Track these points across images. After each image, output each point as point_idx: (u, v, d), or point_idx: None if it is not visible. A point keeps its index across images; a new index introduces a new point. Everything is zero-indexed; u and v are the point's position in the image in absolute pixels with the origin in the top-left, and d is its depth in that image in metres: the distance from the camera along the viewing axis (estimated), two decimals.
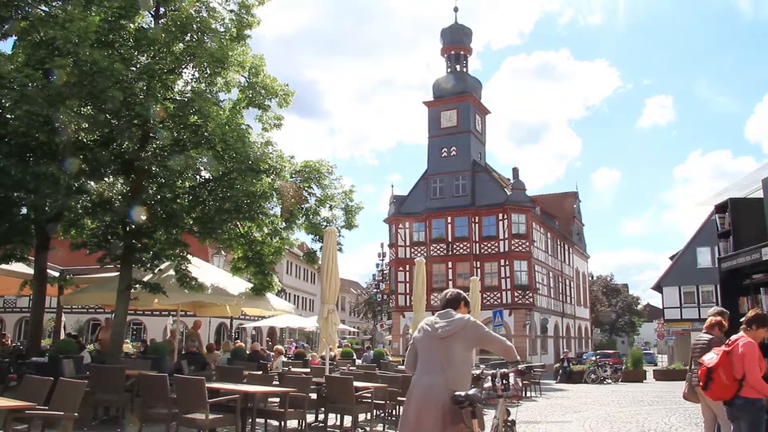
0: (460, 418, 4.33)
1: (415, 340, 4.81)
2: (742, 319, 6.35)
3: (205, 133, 11.68)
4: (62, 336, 16.92)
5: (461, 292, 5.04)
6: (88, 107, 10.87)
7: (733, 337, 5.96)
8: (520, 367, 5.05)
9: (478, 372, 4.95)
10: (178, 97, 12.24)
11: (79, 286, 14.79)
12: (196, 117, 11.59)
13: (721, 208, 9.37)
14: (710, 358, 6.01)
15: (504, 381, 4.95)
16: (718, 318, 7.61)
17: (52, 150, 10.50)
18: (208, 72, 12.15)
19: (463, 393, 4.33)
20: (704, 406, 7.67)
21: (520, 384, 5.01)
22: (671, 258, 48.36)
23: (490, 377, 4.98)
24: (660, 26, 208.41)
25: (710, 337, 7.50)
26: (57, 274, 14.00)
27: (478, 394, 4.43)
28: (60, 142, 10.19)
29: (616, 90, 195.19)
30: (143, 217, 11.45)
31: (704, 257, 42.02)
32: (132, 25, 11.87)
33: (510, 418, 5.07)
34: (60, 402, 6.18)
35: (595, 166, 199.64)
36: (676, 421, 12.33)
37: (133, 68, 11.41)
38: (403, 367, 17.23)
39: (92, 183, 10.60)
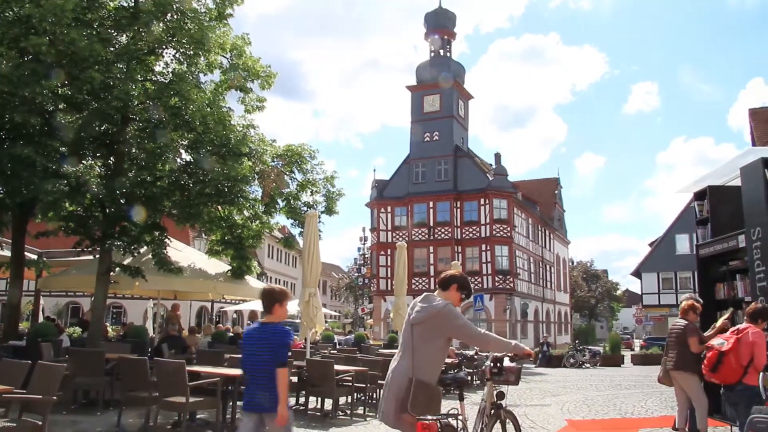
0: (406, 407, 4.21)
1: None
2: (746, 309, 6.66)
3: (186, 116, 11.54)
4: (40, 319, 16.77)
5: (457, 275, 4.77)
6: (66, 88, 10.70)
7: (741, 326, 6.29)
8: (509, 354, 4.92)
9: (471, 353, 4.91)
10: (158, 79, 12.08)
11: (53, 270, 14.63)
12: (176, 99, 11.45)
13: (700, 196, 9.47)
14: (720, 342, 6.31)
15: (497, 365, 4.91)
16: (690, 302, 7.76)
17: (29, 132, 10.32)
18: (189, 53, 11.99)
19: (450, 376, 4.34)
20: (678, 389, 7.83)
21: (517, 366, 4.97)
22: (650, 245, 48.94)
23: (485, 358, 4.96)
24: (647, 12, 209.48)
25: (685, 323, 7.65)
26: (35, 257, 13.83)
27: (465, 377, 4.40)
28: (36, 123, 10.02)
29: (603, 75, 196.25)
30: (122, 201, 11.33)
31: (683, 244, 42.62)
32: (111, 4, 11.68)
33: (501, 401, 5.00)
34: (38, 385, 6.13)
35: (580, 151, 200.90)
36: (653, 404, 12.53)
37: (112, 48, 11.22)
38: (384, 351, 17.33)
39: (69, 166, 10.44)
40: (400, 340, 4.69)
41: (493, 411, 4.96)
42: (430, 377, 4.38)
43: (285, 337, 4.67)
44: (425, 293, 4.69)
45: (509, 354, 4.91)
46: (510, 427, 5.11)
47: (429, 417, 4.04)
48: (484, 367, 5.07)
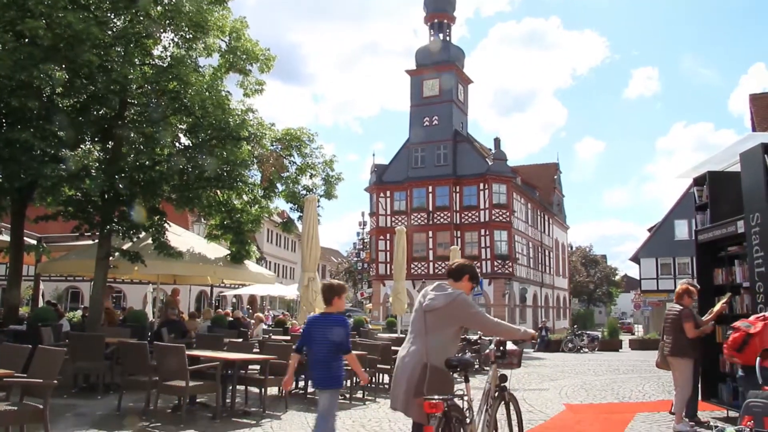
0: (421, 391, 4.32)
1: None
2: None
3: (184, 100, 11.48)
4: (40, 304, 16.79)
5: (468, 264, 4.93)
6: (63, 72, 10.63)
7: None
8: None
9: (475, 338, 5.05)
10: (157, 62, 12.01)
11: (52, 255, 14.62)
12: (174, 83, 11.39)
13: (699, 181, 9.44)
14: (746, 325, 6.50)
15: (501, 348, 5.04)
16: (685, 286, 7.81)
17: (26, 116, 10.27)
18: (188, 36, 11.90)
19: (456, 358, 4.41)
20: (675, 374, 7.87)
21: (519, 349, 5.13)
22: (649, 230, 48.95)
23: (488, 342, 5.06)
24: None
25: (680, 308, 7.70)
26: (34, 242, 13.82)
27: (471, 360, 4.54)
28: (34, 107, 9.97)
29: (604, 60, 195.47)
30: (121, 185, 11.30)
31: (681, 229, 42.56)
32: None
33: (503, 384, 5.13)
34: (39, 370, 6.15)
35: (580, 136, 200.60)
36: (650, 388, 12.59)
37: (110, 32, 11.14)
38: (383, 335, 17.40)
39: (67, 150, 10.39)
40: (409, 328, 4.79)
41: (497, 393, 5.07)
42: (443, 363, 4.46)
43: (345, 327, 5.45)
44: (437, 282, 4.78)
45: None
46: (512, 409, 5.21)
47: (436, 396, 4.13)
48: (487, 351, 5.21)
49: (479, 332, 5.07)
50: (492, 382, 5.05)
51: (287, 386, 5.84)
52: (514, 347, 5.09)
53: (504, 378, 5.14)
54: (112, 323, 13.88)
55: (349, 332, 5.56)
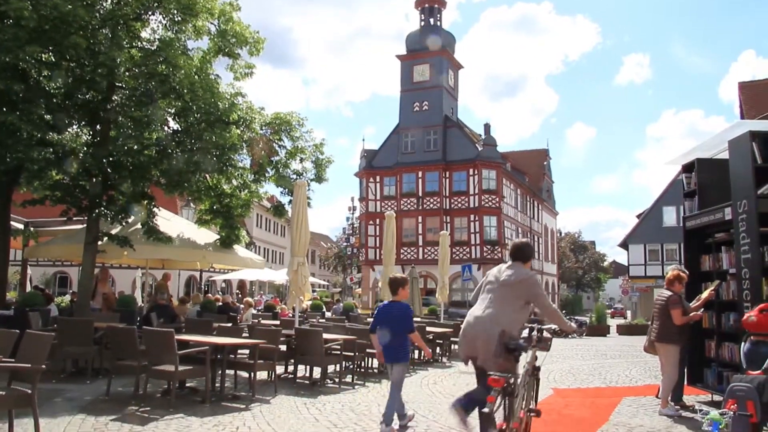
0: (499, 352, 5.06)
1: (484, 281, 5.71)
2: None
3: (173, 83, 11.37)
4: (28, 289, 16.70)
5: (529, 245, 5.93)
6: (50, 54, 10.49)
7: None
8: (554, 328, 5.83)
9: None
10: (145, 45, 11.86)
11: (40, 239, 14.49)
12: (163, 66, 11.27)
13: (688, 168, 9.49)
14: None
15: (539, 334, 5.70)
16: (676, 272, 7.87)
17: (12, 99, 10.14)
18: (177, 19, 11.75)
19: (514, 342, 5.15)
20: (662, 359, 7.95)
21: (550, 336, 5.79)
22: (638, 216, 49.24)
23: (528, 329, 5.71)
24: None
25: (669, 294, 7.76)
26: (21, 226, 13.69)
27: (524, 344, 5.27)
28: (20, 90, 9.84)
29: (595, 46, 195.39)
30: (109, 170, 11.20)
31: (670, 216, 42.87)
32: None
33: (537, 364, 5.91)
34: (27, 354, 6.11)
35: (571, 121, 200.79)
36: (637, 373, 12.72)
37: (97, 14, 10.99)
38: (372, 320, 17.44)
39: (55, 134, 10.26)
40: (482, 294, 5.61)
41: (532, 372, 5.82)
42: (514, 332, 5.30)
43: (409, 311, 6.79)
44: (511, 262, 5.72)
45: (555, 327, 5.83)
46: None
47: (498, 373, 4.87)
48: (530, 335, 5.80)
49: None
50: (530, 363, 5.78)
51: (382, 360, 6.80)
52: (548, 335, 5.76)
53: (536, 359, 5.87)
54: (109, 309, 13.76)
55: (411, 316, 6.80)
